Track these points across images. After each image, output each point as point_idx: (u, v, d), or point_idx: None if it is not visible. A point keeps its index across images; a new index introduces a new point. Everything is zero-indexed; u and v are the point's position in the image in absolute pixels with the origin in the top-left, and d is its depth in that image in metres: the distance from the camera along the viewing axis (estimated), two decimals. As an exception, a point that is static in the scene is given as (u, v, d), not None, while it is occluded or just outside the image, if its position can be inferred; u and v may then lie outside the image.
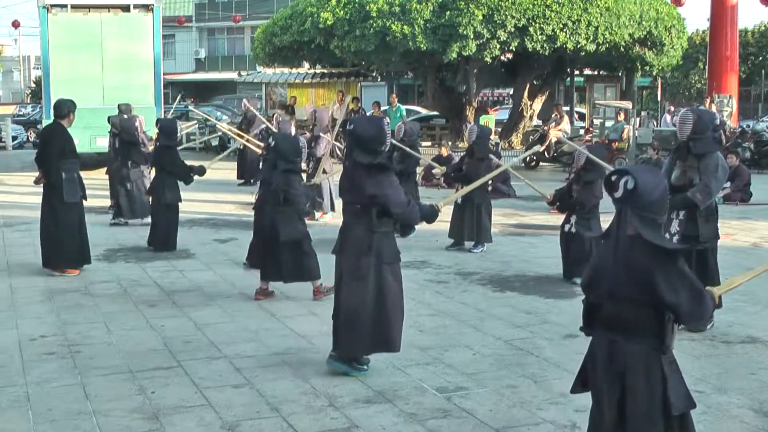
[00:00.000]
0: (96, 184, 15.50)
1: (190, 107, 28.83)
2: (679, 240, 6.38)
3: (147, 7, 18.56)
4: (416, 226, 10.82)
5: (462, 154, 11.40)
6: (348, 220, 5.48)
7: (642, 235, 3.36)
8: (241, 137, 13.69)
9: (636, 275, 3.36)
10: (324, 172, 10.41)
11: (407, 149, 9.97)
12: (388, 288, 5.40)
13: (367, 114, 24.00)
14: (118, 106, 15.51)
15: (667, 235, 6.24)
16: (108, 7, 18.50)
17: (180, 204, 10.02)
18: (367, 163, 5.28)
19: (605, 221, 8.07)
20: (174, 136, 10.03)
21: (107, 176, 13.32)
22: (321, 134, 11.91)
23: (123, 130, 11.74)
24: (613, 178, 3.42)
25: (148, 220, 11.04)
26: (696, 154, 6.39)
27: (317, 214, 12.12)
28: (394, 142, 10.42)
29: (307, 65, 26.01)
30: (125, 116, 12.36)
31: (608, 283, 3.41)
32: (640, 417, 3.45)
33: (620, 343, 3.45)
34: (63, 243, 8.43)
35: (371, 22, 19.29)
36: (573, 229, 8.30)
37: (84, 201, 8.67)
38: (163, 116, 17.61)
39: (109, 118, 13.77)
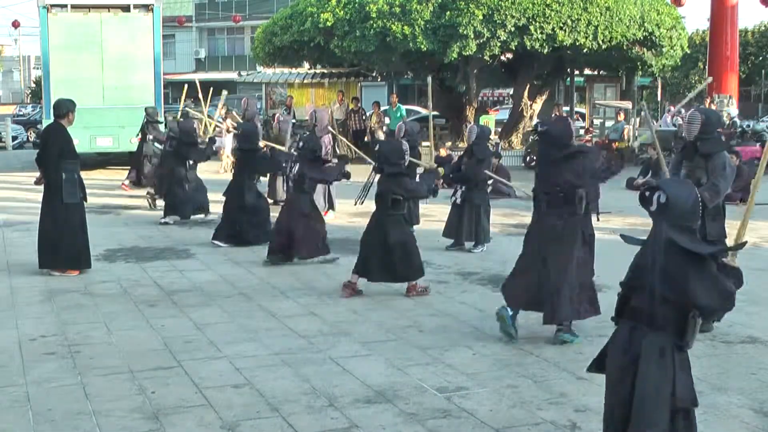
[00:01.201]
0: (97, 184, 15.54)
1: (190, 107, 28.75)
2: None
3: (147, 7, 18.56)
4: (416, 227, 10.83)
5: (460, 153, 11.38)
6: (546, 208, 6.21)
7: (677, 242, 3.52)
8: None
9: (671, 278, 3.54)
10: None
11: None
12: (587, 262, 6.21)
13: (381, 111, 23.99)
14: (146, 109, 15.69)
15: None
16: (108, 7, 18.50)
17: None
18: (562, 155, 6.04)
19: (605, 221, 8.10)
20: (254, 139, 10.26)
21: (154, 176, 13.77)
22: (323, 134, 11.91)
23: (182, 132, 12.01)
24: (647, 193, 3.66)
25: (199, 216, 11.90)
26: (703, 154, 6.42)
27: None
28: None
29: (307, 65, 25.97)
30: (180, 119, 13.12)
31: (647, 282, 3.60)
32: (646, 403, 3.57)
33: (641, 331, 3.63)
34: (62, 244, 8.38)
35: (371, 22, 19.29)
36: None
37: (84, 202, 8.65)
38: (163, 116, 17.65)
39: (166, 123, 14.15)
